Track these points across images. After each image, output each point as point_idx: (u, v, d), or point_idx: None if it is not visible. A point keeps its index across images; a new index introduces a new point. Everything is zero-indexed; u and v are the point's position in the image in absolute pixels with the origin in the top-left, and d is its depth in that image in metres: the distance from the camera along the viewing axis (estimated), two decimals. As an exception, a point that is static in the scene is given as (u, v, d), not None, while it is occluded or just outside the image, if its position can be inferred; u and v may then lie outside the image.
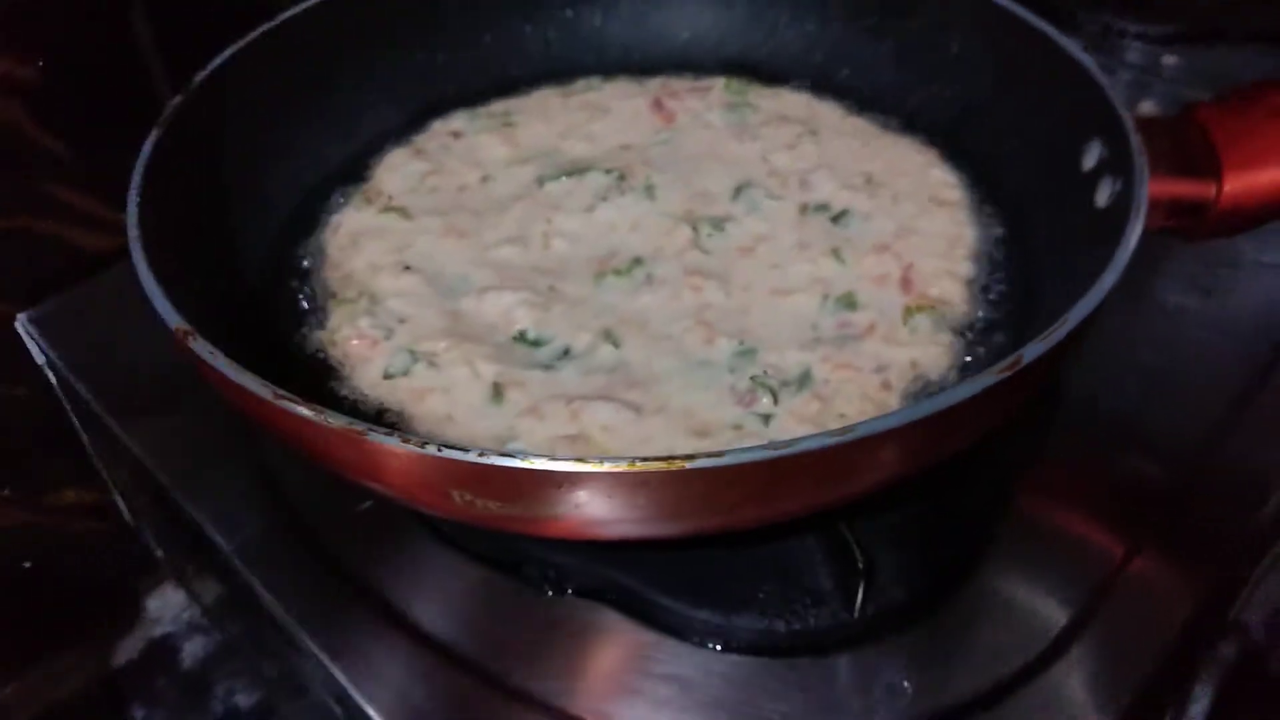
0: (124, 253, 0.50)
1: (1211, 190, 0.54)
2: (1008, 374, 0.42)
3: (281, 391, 0.43)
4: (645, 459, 0.39)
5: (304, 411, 0.42)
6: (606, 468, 0.39)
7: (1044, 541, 0.60)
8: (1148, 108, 0.93)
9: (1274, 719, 0.61)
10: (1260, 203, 0.54)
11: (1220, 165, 0.54)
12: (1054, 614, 0.55)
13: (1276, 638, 0.57)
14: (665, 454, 0.39)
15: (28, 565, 0.86)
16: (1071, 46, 0.62)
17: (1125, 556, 0.59)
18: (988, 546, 0.59)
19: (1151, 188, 0.53)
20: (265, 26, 0.68)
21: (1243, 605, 0.64)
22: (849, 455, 0.41)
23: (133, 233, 0.52)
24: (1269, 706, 0.55)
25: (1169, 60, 0.94)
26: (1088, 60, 0.60)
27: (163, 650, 0.94)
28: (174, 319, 0.47)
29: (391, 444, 0.40)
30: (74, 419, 0.80)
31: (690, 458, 0.39)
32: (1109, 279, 0.46)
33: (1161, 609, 0.56)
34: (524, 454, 0.39)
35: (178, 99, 0.61)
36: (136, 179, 0.55)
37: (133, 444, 0.67)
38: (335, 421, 0.41)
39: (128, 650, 0.93)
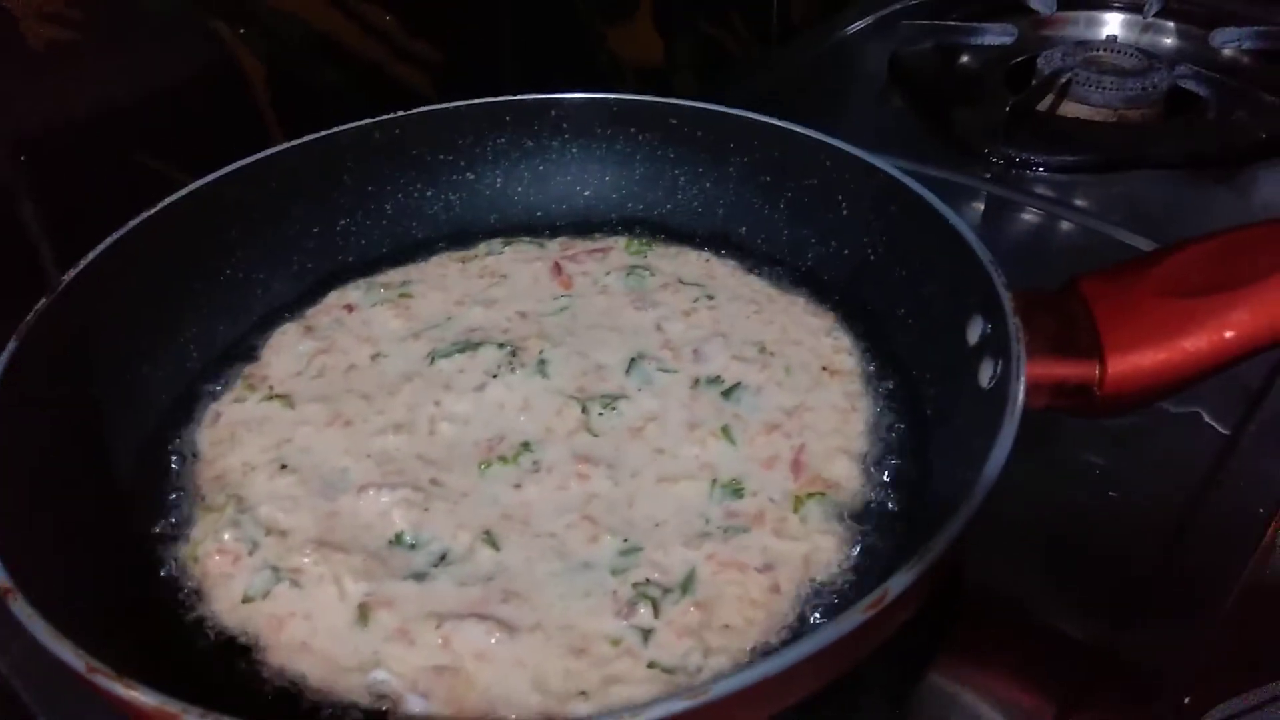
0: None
1: (1094, 372, 0.53)
2: (873, 612, 0.40)
3: (94, 663, 0.40)
4: (477, 737, 0.36)
5: (117, 689, 0.39)
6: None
7: (964, 716, 0.57)
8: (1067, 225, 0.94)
9: None
10: (1147, 385, 0.53)
11: (1102, 346, 0.53)
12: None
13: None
14: (499, 729, 0.36)
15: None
16: (953, 215, 0.61)
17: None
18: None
19: (1031, 369, 0.52)
20: (145, 214, 0.66)
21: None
22: (710, 714, 0.38)
23: (-30, 465, 0.49)
24: None
25: (1080, 191, 0.95)
26: (968, 231, 0.60)
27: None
28: (-5, 572, 0.44)
29: (207, 728, 0.37)
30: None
31: (526, 732, 0.36)
32: (980, 490, 0.45)
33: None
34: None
35: (42, 301, 0.59)
36: (-16, 399, 0.53)
37: (-1, 657, 0.63)
38: (147, 700, 0.38)
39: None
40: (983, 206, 0.94)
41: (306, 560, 0.54)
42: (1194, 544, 0.64)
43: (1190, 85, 1.07)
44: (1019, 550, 0.64)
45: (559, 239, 0.79)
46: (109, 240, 0.64)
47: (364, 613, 0.51)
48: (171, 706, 0.38)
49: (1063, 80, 1.05)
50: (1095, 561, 0.64)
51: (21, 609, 0.42)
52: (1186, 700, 0.59)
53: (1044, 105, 1.04)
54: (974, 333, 0.58)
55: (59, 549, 0.50)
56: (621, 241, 0.78)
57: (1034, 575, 0.63)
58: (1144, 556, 0.64)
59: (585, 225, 0.81)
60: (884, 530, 0.56)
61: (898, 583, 0.41)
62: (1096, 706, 0.57)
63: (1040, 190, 0.96)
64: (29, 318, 0.58)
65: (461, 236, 0.80)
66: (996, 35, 1.18)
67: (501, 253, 0.78)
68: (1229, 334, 0.51)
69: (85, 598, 0.49)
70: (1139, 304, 0.54)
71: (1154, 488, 0.67)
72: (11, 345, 0.56)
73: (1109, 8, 1.26)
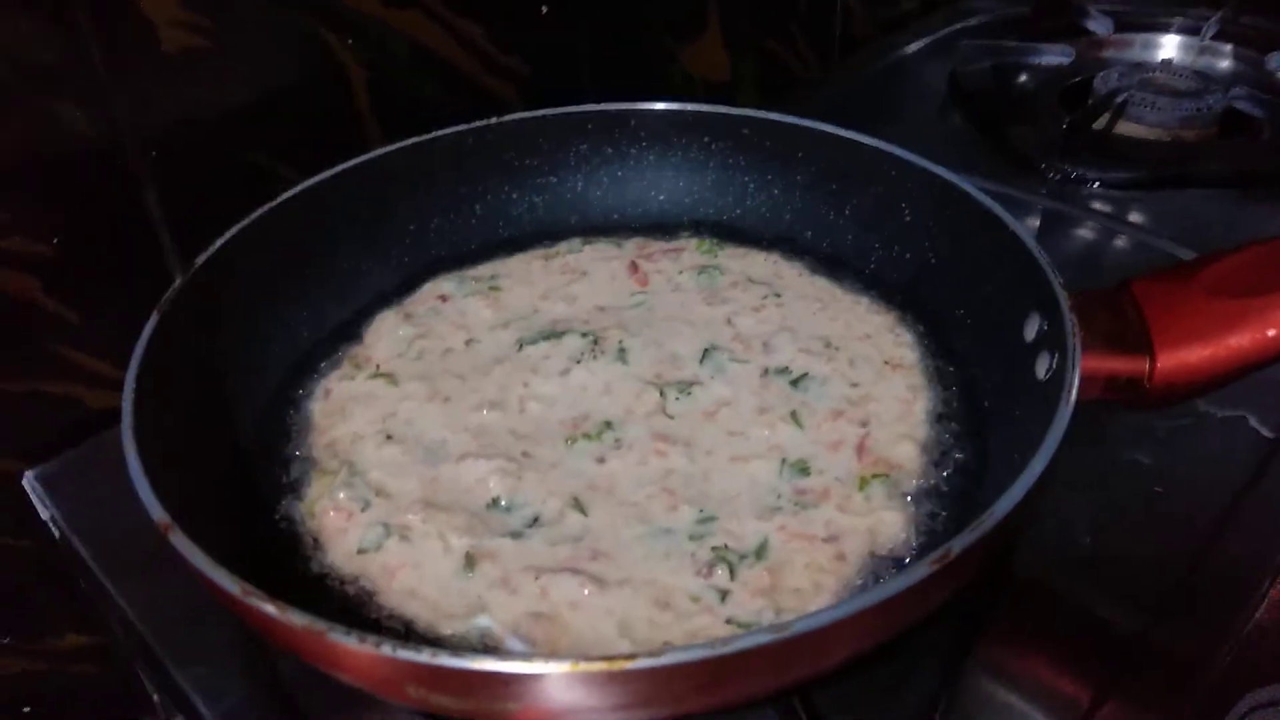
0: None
1: (1145, 366, 0.57)
2: (937, 567, 0.45)
3: (249, 587, 0.45)
4: (588, 659, 0.41)
5: (269, 609, 0.44)
6: (551, 669, 0.41)
7: (1006, 696, 0.60)
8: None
9: None
10: (1194, 379, 0.57)
11: (1152, 342, 0.57)
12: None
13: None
14: (606, 654, 0.41)
15: (27, 710, 0.88)
16: (1011, 220, 0.65)
17: (1092, 706, 0.59)
18: (952, 703, 0.60)
19: (1086, 363, 0.56)
20: (265, 207, 0.73)
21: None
22: (789, 650, 0.43)
23: (126, 420, 0.55)
24: None
25: (1135, 207, 0.98)
26: (1027, 235, 0.64)
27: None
28: (157, 512, 0.50)
29: (349, 643, 0.43)
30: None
31: (630, 657, 0.41)
32: (1039, 464, 0.49)
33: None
34: (473, 655, 0.42)
35: (179, 281, 0.66)
36: (134, 366, 0.59)
37: (124, 603, 0.70)
38: (297, 620, 0.44)
39: (133, 789, 0.94)
40: (1038, 220, 0.98)
41: (414, 518, 0.59)
42: (1235, 541, 0.67)
43: (1245, 106, 1.10)
44: (1064, 541, 0.67)
45: (635, 239, 0.85)
46: (235, 229, 0.71)
47: (470, 562, 0.57)
48: (318, 625, 0.43)
49: (1119, 100, 1.08)
50: (1138, 554, 0.67)
51: (181, 542, 0.48)
52: (1218, 688, 0.62)
53: (1100, 124, 1.08)
54: (1031, 330, 0.62)
55: (198, 498, 0.56)
56: (693, 242, 0.83)
57: (1078, 565, 0.67)
58: (1185, 551, 0.67)
59: (659, 227, 0.86)
60: (944, 509, 0.60)
61: (960, 542, 0.45)
62: (1132, 693, 0.61)
63: (1095, 205, 0.99)
64: (168, 293, 0.64)
65: (544, 235, 0.86)
66: (1054, 56, 1.22)
67: (581, 251, 0.84)
68: (1271, 332, 0.55)
69: (222, 540, 0.55)
70: (1187, 304, 0.58)
71: (1198, 486, 0.70)
72: (153, 319, 0.62)
73: (1166, 30, 1.28)
